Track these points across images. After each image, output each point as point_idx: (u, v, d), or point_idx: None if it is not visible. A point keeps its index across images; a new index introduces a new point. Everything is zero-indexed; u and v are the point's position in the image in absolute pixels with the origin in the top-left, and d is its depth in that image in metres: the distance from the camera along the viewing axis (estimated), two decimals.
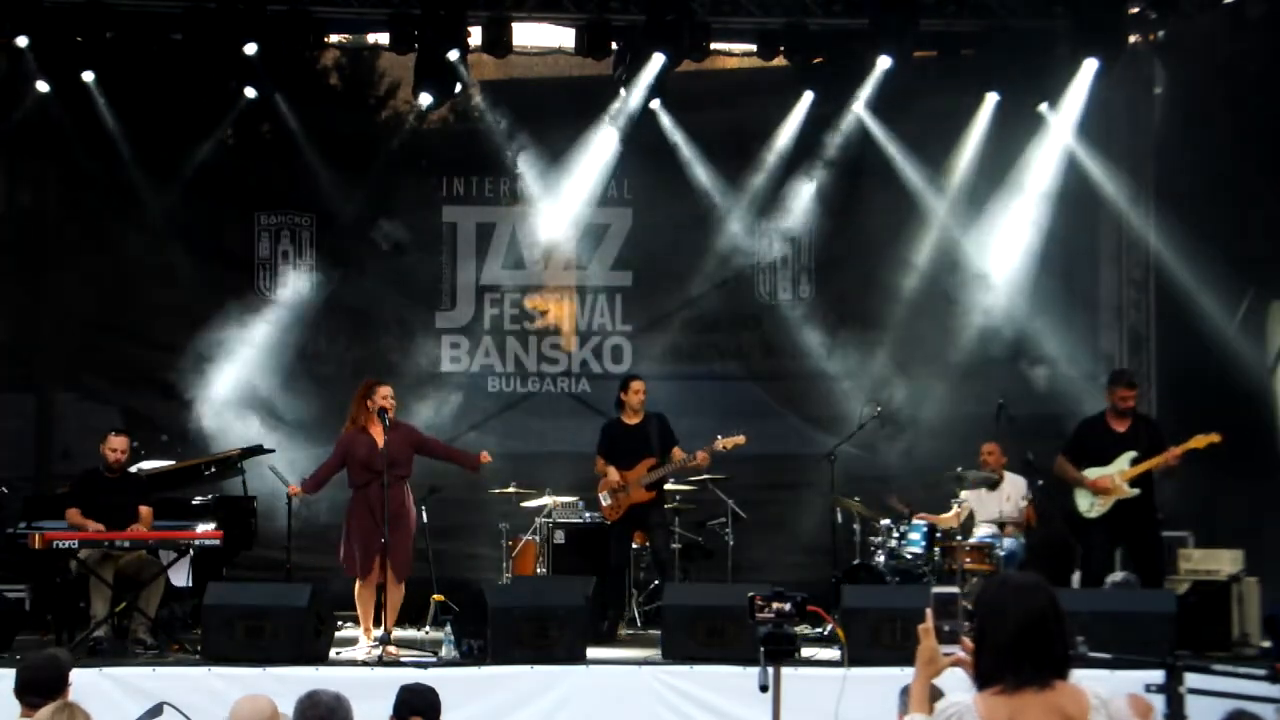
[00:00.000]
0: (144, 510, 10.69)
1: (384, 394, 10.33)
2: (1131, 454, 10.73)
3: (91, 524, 10.38)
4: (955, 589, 4.46)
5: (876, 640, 9.53)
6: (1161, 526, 11.41)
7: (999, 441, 11.94)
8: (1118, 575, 11.22)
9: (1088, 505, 10.87)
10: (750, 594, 5.27)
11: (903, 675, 5.91)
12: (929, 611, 4.14)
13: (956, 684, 4.14)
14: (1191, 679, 4.80)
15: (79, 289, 14.14)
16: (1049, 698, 3.91)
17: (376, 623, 10.23)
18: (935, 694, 4.19)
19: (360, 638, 10.29)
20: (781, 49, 13.55)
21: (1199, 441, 10.58)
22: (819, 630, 9.91)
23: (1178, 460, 10.70)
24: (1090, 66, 13.01)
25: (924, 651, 4.16)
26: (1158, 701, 4.77)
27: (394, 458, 10.12)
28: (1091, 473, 10.83)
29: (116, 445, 10.80)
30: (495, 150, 14.02)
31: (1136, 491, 10.75)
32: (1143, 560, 11.02)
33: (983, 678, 3.97)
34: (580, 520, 12.27)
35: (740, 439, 11.29)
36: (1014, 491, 11.77)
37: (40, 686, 5.59)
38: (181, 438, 12.92)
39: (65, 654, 6.23)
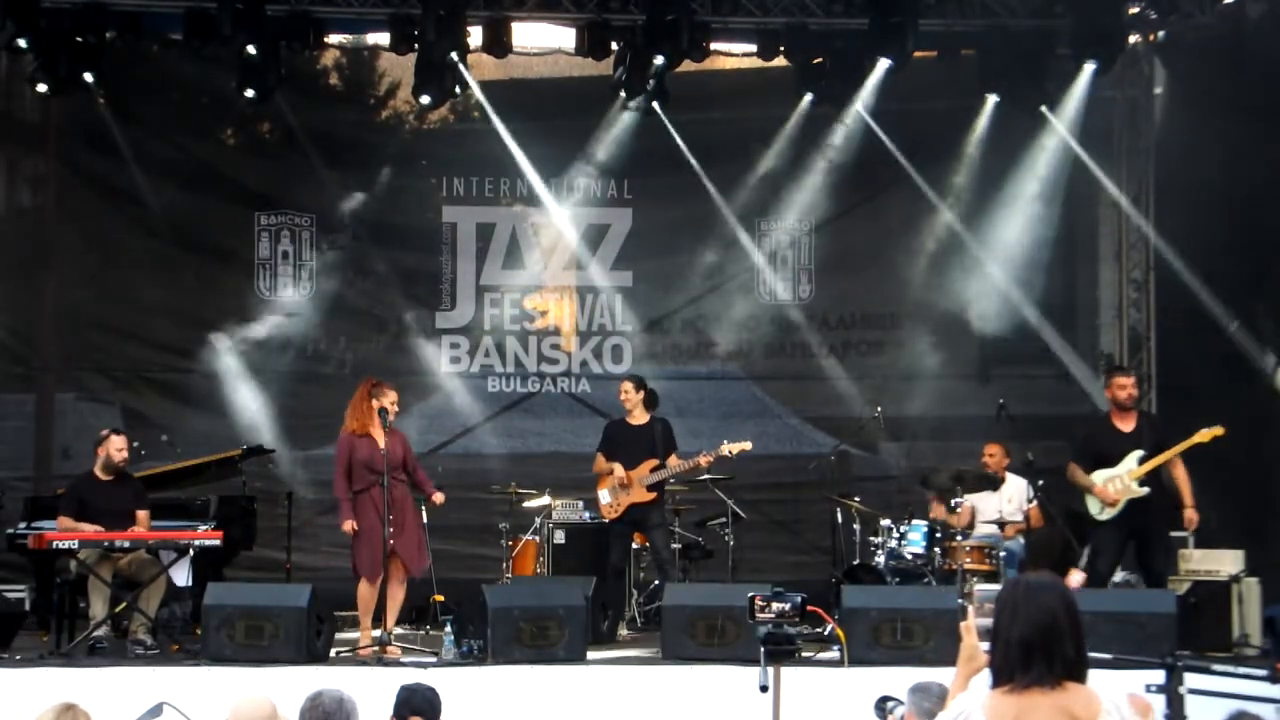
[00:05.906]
0: (140, 514, 10.63)
1: (393, 398, 10.26)
2: (1139, 453, 10.66)
3: (86, 526, 10.33)
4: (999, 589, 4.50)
5: (876, 640, 9.55)
6: (1174, 524, 11.33)
7: (1001, 442, 11.93)
8: (1118, 575, 11.20)
9: (1098, 509, 10.73)
10: (750, 594, 5.29)
11: (901, 676, 5.93)
12: (970, 610, 4.19)
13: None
14: (1191, 679, 4.79)
15: (79, 289, 14.13)
16: (1057, 699, 3.90)
17: (376, 622, 10.19)
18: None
19: (359, 637, 10.25)
20: (781, 49, 13.54)
21: (1203, 436, 10.50)
22: (819, 630, 9.90)
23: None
24: (1090, 67, 13.02)
25: (965, 649, 4.23)
26: (1158, 701, 4.76)
27: (394, 461, 10.09)
28: (1100, 476, 10.73)
29: (122, 444, 10.75)
30: (495, 150, 14.03)
31: (1146, 490, 10.68)
32: (1148, 559, 10.95)
33: (994, 675, 4.00)
34: (580, 520, 12.25)
35: (746, 444, 11.32)
36: (1015, 493, 11.74)
37: None
38: (182, 438, 12.90)
39: None
